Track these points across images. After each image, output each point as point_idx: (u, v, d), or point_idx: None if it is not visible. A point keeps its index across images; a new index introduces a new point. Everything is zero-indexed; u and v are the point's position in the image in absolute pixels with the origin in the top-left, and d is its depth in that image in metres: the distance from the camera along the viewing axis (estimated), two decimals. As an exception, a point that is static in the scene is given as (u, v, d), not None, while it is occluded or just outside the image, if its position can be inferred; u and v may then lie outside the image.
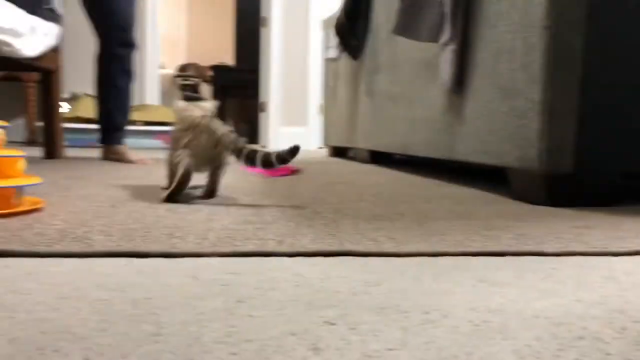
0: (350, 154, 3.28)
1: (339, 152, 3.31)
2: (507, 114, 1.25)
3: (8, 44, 1.75)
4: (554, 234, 0.82)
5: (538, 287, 0.56)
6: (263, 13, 4.80)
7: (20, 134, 4.14)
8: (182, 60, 7.87)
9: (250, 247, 0.68)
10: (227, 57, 6.97)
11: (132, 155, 2.28)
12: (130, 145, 2.41)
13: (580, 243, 0.76)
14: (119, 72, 2.31)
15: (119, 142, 2.34)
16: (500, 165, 1.29)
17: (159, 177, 1.60)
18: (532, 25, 1.15)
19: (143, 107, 3.99)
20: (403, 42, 1.99)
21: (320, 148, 4.64)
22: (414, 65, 1.90)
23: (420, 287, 0.55)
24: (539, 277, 0.60)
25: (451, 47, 1.50)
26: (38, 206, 0.93)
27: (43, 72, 2.28)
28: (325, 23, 3.39)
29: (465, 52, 1.48)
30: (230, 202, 1.08)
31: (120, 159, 2.28)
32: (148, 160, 2.26)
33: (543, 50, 1.12)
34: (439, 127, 1.66)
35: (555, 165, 1.13)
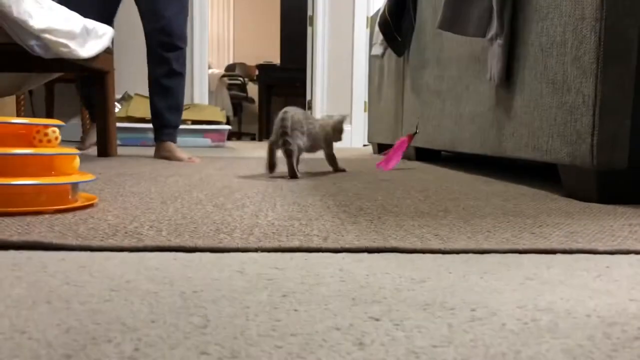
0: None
1: (384, 149, 3.29)
2: (558, 109, 1.22)
3: (65, 46, 1.81)
4: (607, 232, 0.80)
5: (590, 286, 0.55)
6: (309, 12, 4.82)
7: (76, 134, 4.29)
8: (229, 60, 8.01)
9: (295, 243, 0.69)
10: (273, 55, 7.03)
11: (182, 153, 2.34)
12: (179, 143, 2.49)
13: (634, 241, 0.74)
14: (166, 73, 2.36)
15: (169, 140, 2.41)
16: (551, 162, 1.26)
17: (207, 174, 1.63)
18: (584, 17, 1.12)
19: (192, 106, 4.07)
20: (449, 37, 1.97)
21: (365, 145, 4.63)
22: (461, 61, 1.87)
23: (467, 284, 0.55)
24: (591, 275, 0.59)
25: (499, 42, 1.47)
26: (92, 202, 0.96)
27: (97, 73, 2.36)
28: (371, 20, 3.37)
29: (514, 46, 1.44)
30: (275, 199, 1.10)
31: (169, 157, 2.35)
32: (196, 158, 2.31)
33: (595, 42, 1.08)
34: (487, 123, 1.63)
35: (608, 161, 1.09)
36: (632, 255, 0.68)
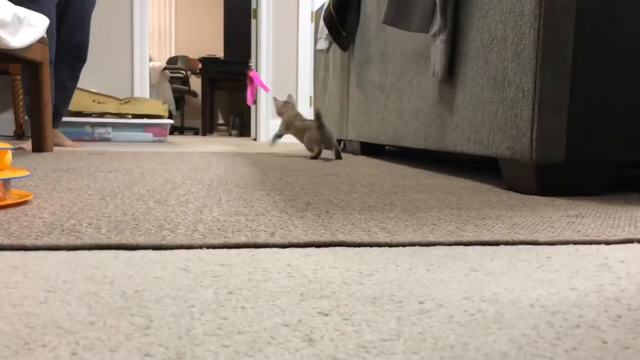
0: (341, 146, 3.27)
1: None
2: (499, 104, 1.25)
3: (-7, 36, 1.72)
4: (547, 223, 0.82)
5: (532, 276, 0.56)
6: (253, 4, 4.77)
7: (9, 128, 4.10)
8: (171, 52, 7.84)
9: (241, 239, 0.68)
10: (216, 49, 6.93)
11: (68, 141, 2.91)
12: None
13: (573, 232, 0.76)
14: (71, 78, 2.94)
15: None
16: (492, 156, 1.29)
17: (149, 169, 1.58)
18: (523, 13, 1.15)
19: (132, 99, 3.96)
20: (393, 32, 1.99)
21: (311, 140, 4.63)
22: (405, 56, 1.89)
23: (414, 277, 0.55)
24: (533, 266, 0.60)
25: (442, 37, 1.50)
26: (26, 199, 0.92)
27: (30, 64, 2.25)
28: (316, 14, 3.37)
29: (456, 42, 1.47)
30: (220, 194, 1.07)
31: (59, 143, 2.87)
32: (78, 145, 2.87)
33: (534, 38, 1.11)
34: (430, 118, 1.66)
35: (546, 155, 1.13)
36: (571, 246, 0.70)
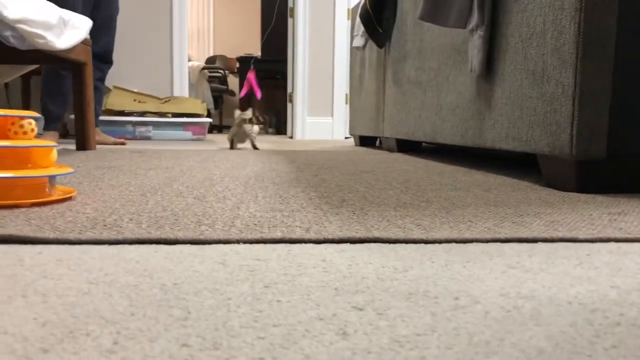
0: (377, 143, 3.26)
1: (365, 141, 3.29)
2: (538, 99, 1.22)
3: (41, 37, 1.78)
4: (587, 221, 0.81)
5: (571, 274, 0.55)
6: (289, 3, 4.79)
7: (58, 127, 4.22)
8: (209, 52, 7.94)
9: (277, 234, 0.68)
10: (253, 48, 6.99)
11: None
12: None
13: (614, 229, 0.74)
14: (100, 77, 3.09)
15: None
16: (531, 152, 1.27)
17: (188, 167, 1.61)
18: (563, 7, 1.12)
19: (172, 99, 4.03)
20: (430, 28, 1.97)
21: (347, 138, 4.63)
22: (442, 52, 1.87)
23: (449, 273, 0.55)
24: (573, 263, 0.59)
25: (479, 33, 1.48)
26: (70, 195, 0.95)
27: (74, 64, 2.32)
28: (352, 12, 3.36)
29: (494, 37, 1.45)
30: (257, 191, 1.09)
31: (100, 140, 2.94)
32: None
33: (575, 32, 1.09)
34: (468, 114, 1.64)
35: (587, 151, 1.10)
36: (612, 243, 0.69)
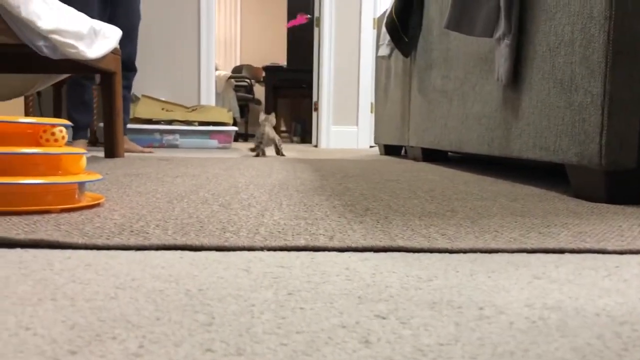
0: (402, 152, 3.25)
1: (390, 150, 3.29)
2: (566, 109, 1.21)
3: (73, 46, 1.82)
4: (616, 232, 0.79)
5: (599, 285, 0.54)
6: (315, 13, 4.82)
7: (86, 135, 4.31)
8: (236, 61, 8.02)
9: (301, 242, 0.69)
10: (279, 57, 7.04)
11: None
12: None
13: (644, 241, 0.73)
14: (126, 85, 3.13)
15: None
16: (559, 162, 1.25)
17: (214, 174, 1.63)
18: (592, 15, 1.11)
19: (198, 107, 4.08)
20: (456, 37, 1.96)
21: (372, 147, 4.63)
22: (468, 61, 1.86)
23: (474, 283, 0.54)
24: (600, 275, 0.58)
25: (506, 41, 1.47)
26: (98, 201, 0.96)
27: (104, 73, 2.37)
28: (377, 21, 3.37)
29: (521, 45, 1.44)
30: (281, 199, 1.09)
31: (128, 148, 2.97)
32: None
33: (604, 41, 1.08)
34: (494, 123, 1.62)
35: (616, 161, 1.08)
36: (642, 255, 0.67)
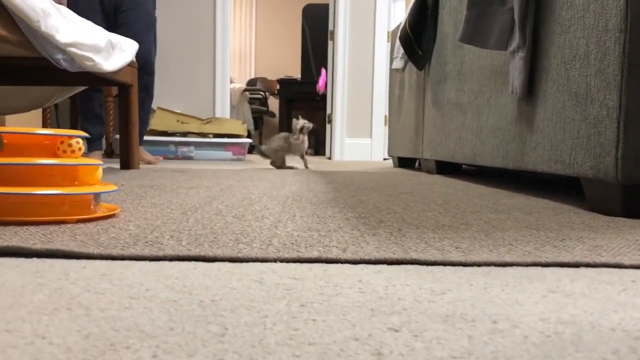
0: (416, 165, 3.25)
1: (404, 163, 3.28)
2: (581, 122, 1.20)
3: (90, 59, 1.85)
4: (633, 246, 0.78)
5: (615, 300, 0.53)
6: (330, 26, 4.85)
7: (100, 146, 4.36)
8: (250, 74, 8.08)
9: (314, 254, 0.69)
10: (294, 70, 7.08)
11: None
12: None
13: (662, 256, 0.72)
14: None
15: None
16: (574, 175, 1.24)
17: (228, 186, 1.64)
18: (608, 28, 1.11)
19: (213, 119, 4.11)
20: (470, 50, 1.96)
21: (386, 159, 4.62)
22: (482, 74, 1.86)
23: (488, 296, 0.54)
24: (617, 289, 0.57)
25: (521, 54, 1.47)
26: (114, 212, 0.97)
27: (121, 86, 2.40)
28: (391, 34, 3.38)
29: (536, 58, 1.43)
30: (295, 210, 1.10)
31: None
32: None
33: (620, 54, 1.07)
34: (509, 136, 1.62)
35: (633, 175, 1.07)
36: (659, 270, 0.66)
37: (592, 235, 0.87)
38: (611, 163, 1.09)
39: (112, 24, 2.94)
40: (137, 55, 2.94)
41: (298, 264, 0.66)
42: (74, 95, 3.00)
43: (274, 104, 7.16)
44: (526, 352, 0.40)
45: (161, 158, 3.27)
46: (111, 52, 2.03)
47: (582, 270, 0.66)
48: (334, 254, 0.69)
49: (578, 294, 0.55)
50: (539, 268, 0.66)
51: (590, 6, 1.18)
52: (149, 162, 3.13)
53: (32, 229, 0.81)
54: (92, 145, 3.03)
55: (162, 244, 0.73)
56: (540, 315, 0.48)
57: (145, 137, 3.62)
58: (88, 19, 2.60)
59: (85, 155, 2.83)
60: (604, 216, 1.10)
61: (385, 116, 4.57)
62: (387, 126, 4.46)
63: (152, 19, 3.09)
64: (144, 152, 3.14)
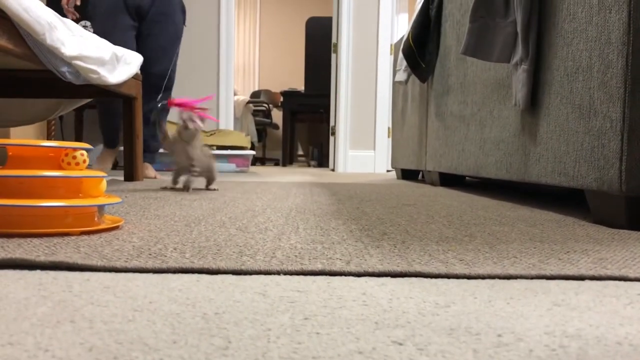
0: (420, 177, 3.25)
1: (407, 175, 3.28)
2: (585, 134, 1.20)
3: (95, 72, 1.86)
4: (638, 258, 0.78)
5: (621, 313, 0.53)
6: (333, 39, 4.87)
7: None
8: (254, 86, 8.12)
9: (317, 266, 0.69)
10: (297, 82, 7.11)
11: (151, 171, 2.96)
12: None
13: (667, 268, 0.71)
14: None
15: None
16: (578, 187, 1.24)
17: (231, 198, 1.64)
18: (610, 41, 1.11)
19: (217, 131, 4.12)
20: (473, 62, 1.97)
21: (389, 171, 4.62)
22: (485, 86, 1.86)
23: (493, 309, 0.54)
24: (622, 302, 0.57)
25: (524, 67, 1.47)
26: (117, 224, 0.97)
27: (125, 98, 2.41)
28: (394, 47, 3.40)
29: (539, 71, 1.44)
30: (298, 223, 1.09)
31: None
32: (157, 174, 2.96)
33: (622, 66, 1.07)
34: (512, 149, 1.62)
35: (637, 187, 1.07)
36: (665, 283, 0.66)
37: (597, 247, 0.87)
38: (615, 175, 1.09)
39: (139, 28, 2.90)
40: (155, 70, 2.88)
41: (301, 277, 0.66)
42: (78, 107, 3.02)
43: (277, 116, 7.19)
44: (531, 366, 0.39)
45: (158, 177, 3.01)
46: (116, 64, 2.04)
47: (587, 283, 0.65)
48: (338, 266, 0.69)
49: (583, 307, 0.55)
50: (544, 281, 0.66)
51: (593, 19, 1.18)
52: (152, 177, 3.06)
53: (35, 241, 0.81)
54: (109, 142, 3.04)
55: (165, 256, 0.73)
56: (545, 329, 0.48)
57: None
58: (114, 18, 2.62)
59: (89, 166, 2.84)
60: (609, 228, 1.10)
61: (389, 128, 4.58)
62: (390, 138, 4.46)
63: (177, 35, 3.00)
64: (149, 168, 3.00)
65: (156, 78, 2.91)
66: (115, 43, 2.59)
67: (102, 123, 3.03)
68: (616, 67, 1.09)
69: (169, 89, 3.01)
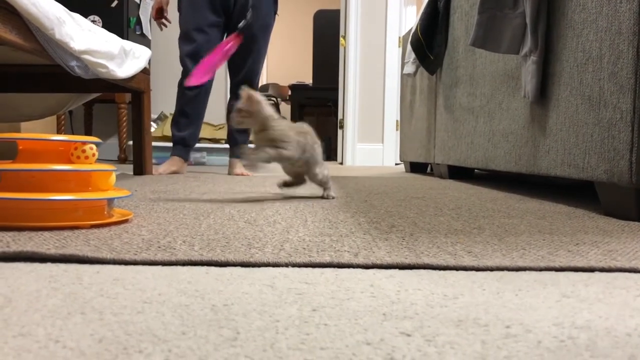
0: (428, 169, 3.24)
1: (416, 168, 3.27)
2: (594, 126, 1.19)
3: (103, 66, 1.87)
4: (648, 251, 0.77)
5: (630, 305, 0.53)
6: (341, 32, 4.86)
7: (114, 153, 4.39)
8: (262, 80, 8.11)
9: (325, 258, 0.69)
10: (305, 76, 7.10)
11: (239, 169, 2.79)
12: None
13: (678, 260, 0.71)
14: None
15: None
16: (587, 179, 1.23)
17: (240, 191, 1.64)
18: (621, 31, 1.10)
19: (226, 126, 4.12)
20: (482, 54, 1.96)
21: (397, 164, 4.61)
22: (494, 78, 1.85)
23: (501, 301, 0.54)
24: (632, 294, 0.57)
25: (533, 58, 1.46)
26: (127, 217, 0.98)
27: (134, 92, 2.42)
28: (403, 40, 3.38)
29: (548, 62, 1.43)
30: (306, 215, 1.10)
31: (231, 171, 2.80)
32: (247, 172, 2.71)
33: (633, 57, 1.06)
34: (521, 141, 1.61)
35: (649, 179, 1.06)
36: (675, 274, 0.65)
37: (607, 239, 0.86)
38: (625, 167, 1.08)
39: (226, 24, 2.72)
40: (240, 73, 2.71)
41: (310, 269, 0.66)
42: (87, 101, 3.02)
43: (285, 109, 7.18)
44: (540, 357, 0.39)
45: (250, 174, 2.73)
46: (124, 59, 2.05)
47: (597, 274, 0.65)
48: (346, 258, 0.69)
49: (593, 299, 0.54)
50: (553, 273, 0.66)
51: (603, 9, 1.17)
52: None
53: (46, 234, 0.82)
54: (176, 150, 2.76)
55: (174, 249, 0.73)
56: (554, 320, 0.48)
57: (157, 143, 3.64)
58: (197, 16, 2.57)
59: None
60: (618, 220, 1.09)
61: (397, 121, 4.56)
62: (398, 131, 4.45)
63: (262, 39, 2.78)
64: (236, 165, 2.79)
65: (247, 75, 2.76)
66: (197, 40, 2.53)
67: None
68: (627, 57, 1.08)
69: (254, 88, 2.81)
